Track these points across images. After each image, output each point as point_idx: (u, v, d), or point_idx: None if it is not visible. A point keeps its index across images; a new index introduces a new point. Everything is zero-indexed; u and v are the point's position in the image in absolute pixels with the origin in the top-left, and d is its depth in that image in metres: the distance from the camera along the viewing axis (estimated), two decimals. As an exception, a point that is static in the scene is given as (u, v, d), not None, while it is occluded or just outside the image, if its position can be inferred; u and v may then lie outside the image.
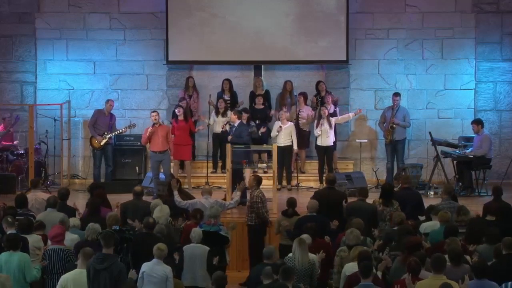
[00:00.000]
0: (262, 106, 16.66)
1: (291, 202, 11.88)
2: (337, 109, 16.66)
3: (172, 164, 15.73)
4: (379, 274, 9.18)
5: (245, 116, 15.04)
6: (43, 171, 16.55)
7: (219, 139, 16.20)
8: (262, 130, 16.01)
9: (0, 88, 17.70)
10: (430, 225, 10.90)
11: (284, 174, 16.11)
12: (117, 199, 12.60)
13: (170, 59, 17.33)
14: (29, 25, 17.53)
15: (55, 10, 17.52)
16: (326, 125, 15.75)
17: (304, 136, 16.39)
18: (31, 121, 16.46)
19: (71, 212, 11.57)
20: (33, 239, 10.03)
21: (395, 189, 12.71)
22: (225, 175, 14.44)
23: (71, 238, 10.24)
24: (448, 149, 15.90)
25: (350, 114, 16.44)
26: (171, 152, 15.33)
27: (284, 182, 16.17)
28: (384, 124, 16.42)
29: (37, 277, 9.44)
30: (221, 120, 16.22)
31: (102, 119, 16.39)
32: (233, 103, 16.67)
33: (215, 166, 16.71)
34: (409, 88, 17.29)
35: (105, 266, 8.87)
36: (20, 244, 9.47)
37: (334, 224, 11.43)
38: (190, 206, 12.02)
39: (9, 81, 17.69)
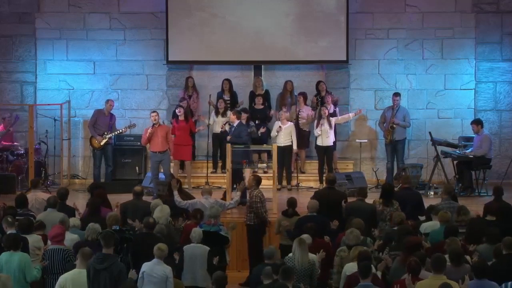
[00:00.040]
0: (262, 106, 16.65)
1: (291, 202, 11.88)
2: (337, 109, 16.67)
3: (172, 164, 15.73)
4: (379, 274, 9.19)
5: (244, 116, 15.04)
6: (43, 171, 16.56)
7: (219, 139, 16.21)
8: (262, 130, 16.01)
9: (0, 88, 17.70)
10: (431, 225, 10.90)
11: (284, 174, 16.10)
12: (117, 199, 12.59)
13: (170, 59, 17.33)
14: (29, 25, 17.53)
15: (55, 10, 17.52)
16: (326, 125, 15.75)
17: (304, 136, 16.39)
18: (31, 121, 16.46)
19: (71, 212, 11.57)
20: (33, 239, 10.03)
21: (395, 189, 12.71)
22: (225, 175, 14.43)
23: (71, 238, 10.24)
24: (448, 149, 15.90)
25: (350, 114, 16.44)
26: (171, 152, 15.33)
27: (284, 182, 16.17)
28: (384, 124, 16.43)
29: (37, 277, 9.44)
30: (220, 120, 16.22)
31: (102, 119, 16.38)
32: (233, 103, 16.67)
33: (215, 166, 16.71)
34: (409, 88, 17.29)
35: (105, 266, 8.87)
36: (21, 244, 9.47)
37: (334, 224, 11.43)
38: (190, 206, 12.02)
39: (9, 81, 17.69)
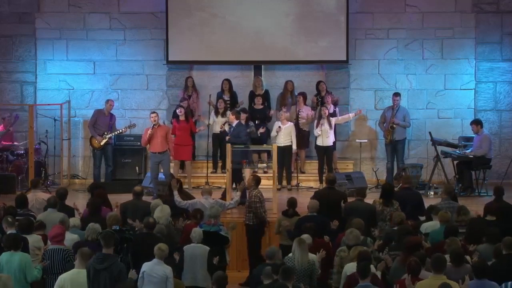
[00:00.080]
0: (262, 106, 16.65)
1: (292, 202, 11.88)
2: (337, 109, 16.66)
3: (172, 165, 15.73)
4: (379, 274, 9.19)
5: (243, 116, 15.04)
6: (43, 171, 16.55)
7: (219, 139, 16.21)
8: (261, 130, 16.00)
9: (0, 88, 17.70)
10: (431, 225, 10.90)
11: (284, 174, 16.10)
12: (117, 199, 12.59)
13: (170, 59, 17.33)
14: (29, 25, 17.53)
15: (55, 10, 17.52)
16: (326, 125, 15.76)
17: (303, 136, 16.39)
18: (31, 121, 16.46)
19: (70, 212, 11.57)
20: (33, 239, 10.03)
21: (395, 189, 12.71)
22: (225, 175, 14.43)
23: (71, 238, 10.24)
24: (448, 149, 15.90)
25: (350, 114, 16.44)
26: (171, 153, 15.33)
27: (284, 182, 16.17)
28: (384, 124, 16.43)
29: (38, 277, 9.44)
30: (220, 120, 16.22)
31: (102, 119, 16.39)
32: (232, 103, 16.67)
33: (215, 166, 16.71)
34: (409, 88, 17.29)
35: (105, 266, 8.87)
36: (21, 244, 9.48)
37: (334, 224, 11.43)
38: (190, 206, 12.02)
39: (9, 81, 17.69)
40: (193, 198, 12.62)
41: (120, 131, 16.44)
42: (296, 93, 16.67)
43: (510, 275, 8.73)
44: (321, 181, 15.81)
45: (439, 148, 15.76)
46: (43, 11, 17.54)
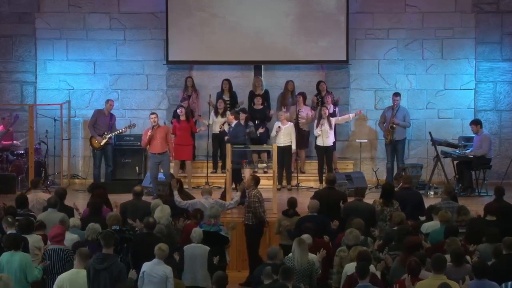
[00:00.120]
0: (261, 106, 16.65)
1: (292, 202, 11.88)
2: (337, 109, 16.66)
3: (172, 165, 15.73)
4: (378, 274, 9.19)
5: (243, 116, 15.04)
6: (43, 171, 16.55)
7: (219, 139, 16.20)
8: (260, 130, 15.98)
9: (0, 88, 17.70)
10: (432, 225, 10.90)
11: (284, 174, 16.10)
12: (117, 199, 12.58)
13: (170, 59, 17.33)
14: (29, 25, 17.53)
15: (55, 10, 17.52)
16: (326, 125, 15.75)
17: (303, 136, 16.39)
18: (31, 121, 16.46)
19: (70, 212, 11.57)
20: (33, 239, 10.04)
21: (395, 189, 12.71)
22: (225, 175, 14.42)
23: (71, 238, 10.24)
24: (448, 149, 15.90)
25: (350, 115, 16.43)
26: (171, 154, 15.33)
27: (284, 182, 16.16)
28: (384, 124, 16.43)
29: (38, 277, 9.44)
30: (220, 120, 16.22)
31: (102, 119, 16.39)
32: (232, 103, 16.67)
33: (215, 166, 16.71)
34: (409, 88, 17.29)
35: (105, 266, 8.88)
36: (22, 244, 9.48)
37: (334, 224, 11.43)
38: (190, 206, 12.02)
39: (9, 81, 17.69)
40: (193, 198, 12.61)
41: (120, 131, 16.44)
42: (296, 93, 16.67)
43: (510, 275, 8.73)
44: (321, 181, 15.82)
45: (439, 148, 15.76)
46: (43, 11, 17.54)
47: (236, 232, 12.06)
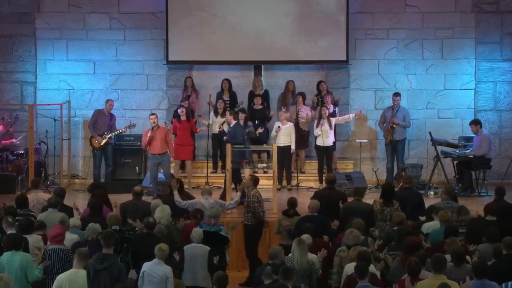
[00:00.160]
0: (261, 106, 16.65)
1: (292, 202, 11.88)
2: (337, 109, 16.66)
3: (172, 165, 15.73)
4: (378, 274, 9.19)
5: (242, 116, 15.03)
6: (43, 171, 16.55)
7: (219, 139, 16.20)
8: (260, 130, 15.98)
9: (0, 88, 17.70)
10: (432, 225, 10.89)
11: (284, 174, 16.10)
12: (117, 199, 12.58)
13: (170, 59, 17.33)
14: (29, 25, 17.53)
15: (55, 10, 17.52)
16: (326, 125, 15.75)
17: (303, 136, 16.39)
18: (31, 121, 16.46)
19: (69, 211, 11.57)
20: (33, 239, 10.04)
21: (396, 189, 12.71)
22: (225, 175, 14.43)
23: (71, 238, 10.23)
24: (448, 149, 15.90)
25: (350, 115, 16.42)
26: (171, 154, 15.33)
27: (284, 182, 16.16)
28: (384, 124, 16.43)
29: (39, 277, 9.44)
30: (219, 120, 16.21)
31: (102, 119, 16.39)
32: (232, 103, 16.67)
33: (215, 166, 16.71)
34: (409, 88, 17.29)
35: (105, 266, 8.88)
36: (23, 244, 9.48)
37: (334, 224, 11.42)
38: (190, 206, 12.02)
39: (9, 81, 17.69)
40: (194, 198, 12.61)
41: (120, 131, 16.44)
42: (296, 93, 16.66)
43: (510, 275, 8.73)
44: (321, 181, 15.81)
45: (439, 148, 15.76)
46: (43, 11, 17.54)
47: (236, 232, 12.05)
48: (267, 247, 11.76)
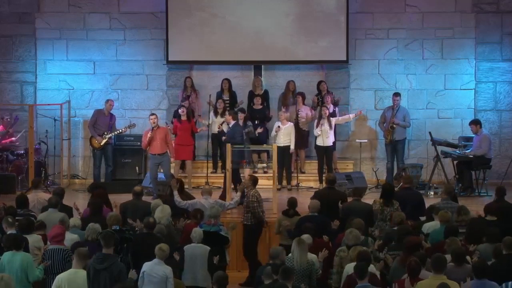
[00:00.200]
0: (261, 106, 16.65)
1: (292, 202, 11.88)
2: (337, 109, 16.66)
3: (172, 165, 15.73)
4: (378, 274, 9.19)
5: (241, 116, 15.03)
6: (43, 171, 16.54)
7: (218, 139, 16.20)
8: (259, 130, 15.98)
9: (0, 88, 17.70)
10: (432, 225, 10.89)
11: (284, 174, 16.10)
12: (117, 199, 12.58)
13: (170, 59, 17.33)
14: (29, 25, 17.53)
15: (55, 10, 17.52)
16: (326, 125, 15.75)
17: (303, 136, 16.39)
18: (31, 121, 16.46)
19: (69, 211, 11.57)
20: (33, 239, 10.04)
21: (396, 189, 12.71)
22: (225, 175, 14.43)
23: (71, 238, 10.23)
24: (448, 149, 15.90)
25: (350, 115, 16.41)
26: (171, 154, 15.33)
27: (284, 182, 16.16)
28: (384, 124, 16.43)
29: (39, 277, 9.44)
30: (219, 120, 16.21)
31: (102, 119, 16.39)
32: (232, 103, 16.67)
33: (215, 166, 16.71)
34: (409, 88, 17.29)
35: (105, 266, 8.88)
36: (23, 244, 9.48)
37: (335, 224, 11.42)
38: (190, 206, 12.02)
39: (9, 81, 17.69)
40: (194, 198, 12.61)
41: (120, 131, 16.44)
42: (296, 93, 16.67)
43: (510, 275, 8.73)
44: (321, 181, 15.81)
45: (439, 148, 15.76)
46: (43, 11, 17.54)
47: (236, 232, 12.06)
48: (267, 247, 11.77)
